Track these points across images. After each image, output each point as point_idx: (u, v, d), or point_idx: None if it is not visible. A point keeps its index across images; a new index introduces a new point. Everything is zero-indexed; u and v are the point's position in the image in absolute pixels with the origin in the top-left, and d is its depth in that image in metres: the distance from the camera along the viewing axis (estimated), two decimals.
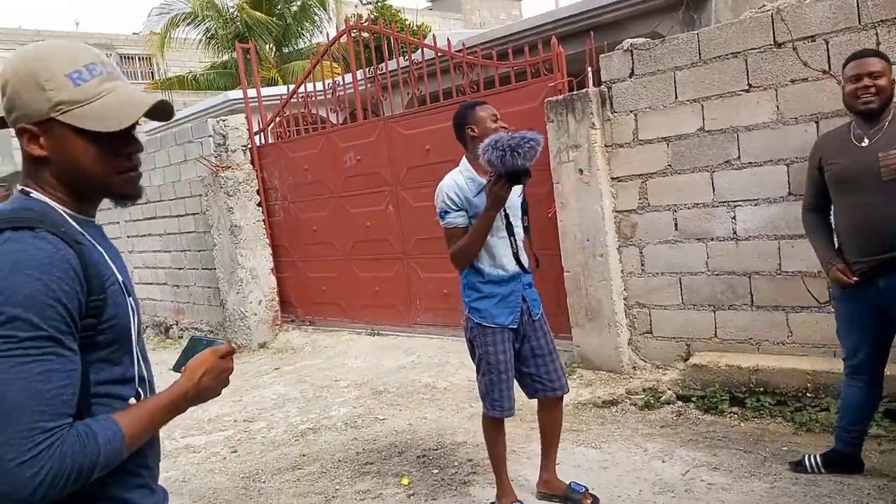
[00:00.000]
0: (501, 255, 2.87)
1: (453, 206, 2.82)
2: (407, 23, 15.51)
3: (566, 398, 4.17)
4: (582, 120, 4.55)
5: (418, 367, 5.48)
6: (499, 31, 8.18)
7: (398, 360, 5.72)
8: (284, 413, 4.97)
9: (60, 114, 1.12)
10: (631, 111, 4.44)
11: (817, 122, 3.72)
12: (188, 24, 14.64)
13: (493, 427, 3.02)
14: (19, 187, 1.19)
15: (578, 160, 4.57)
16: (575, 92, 4.67)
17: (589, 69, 4.76)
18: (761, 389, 3.80)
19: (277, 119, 7.39)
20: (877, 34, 3.48)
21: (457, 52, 5.73)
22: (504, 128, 2.84)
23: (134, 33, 24.74)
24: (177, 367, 1.30)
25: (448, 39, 5.92)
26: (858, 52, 2.83)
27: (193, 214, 8.07)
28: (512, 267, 2.88)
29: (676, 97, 4.24)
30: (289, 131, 7.42)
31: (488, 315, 2.87)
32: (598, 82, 4.64)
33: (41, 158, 1.15)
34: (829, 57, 3.65)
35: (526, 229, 2.99)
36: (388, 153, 6.30)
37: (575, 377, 4.52)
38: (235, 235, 7.21)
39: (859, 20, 3.54)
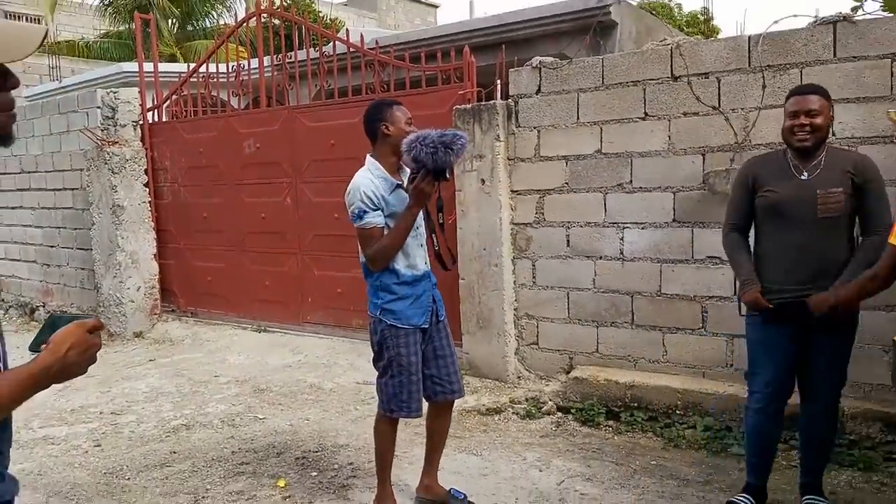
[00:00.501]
0: (415, 254, 2.87)
1: (371, 206, 2.76)
2: (321, 15, 15.21)
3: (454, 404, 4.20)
4: (488, 131, 4.61)
5: (305, 366, 5.34)
6: (413, 34, 8.19)
7: (284, 359, 5.54)
8: (157, 407, 4.69)
9: None
10: (535, 127, 4.55)
11: (704, 155, 3.95)
12: None
13: (390, 430, 2.99)
14: None
15: (482, 170, 4.63)
16: (483, 102, 4.73)
17: (498, 81, 4.83)
18: (635, 405, 3.98)
19: (174, 97, 7.01)
20: (763, 77, 3.74)
21: (370, 49, 5.67)
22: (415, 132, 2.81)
23: None
24: (34, 346, 1.19)
25: (361, 36, 5.83)
26: (799, 88, 2.89)
27: (72, 189, 7.50)
28: (423, 266, 2.89)
29: (578, 118, 4.38)
30: (185, 111, 7.06)
31: (403, 316, 2.84)
32: (505, 96, 4.72)
33: None
34: (720, 94, 3.89)
35: (441, 226, 2.98)
36: (290, 144, 6.13)
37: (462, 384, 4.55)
38: (117, 216, 6.76)
39: (749, 63, 3.80)
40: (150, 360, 5.90)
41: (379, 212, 2.77)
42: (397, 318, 2.84)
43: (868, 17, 3.68)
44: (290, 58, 6.21)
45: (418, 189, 2.69)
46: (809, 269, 2.70)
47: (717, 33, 15.44)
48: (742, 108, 3.82)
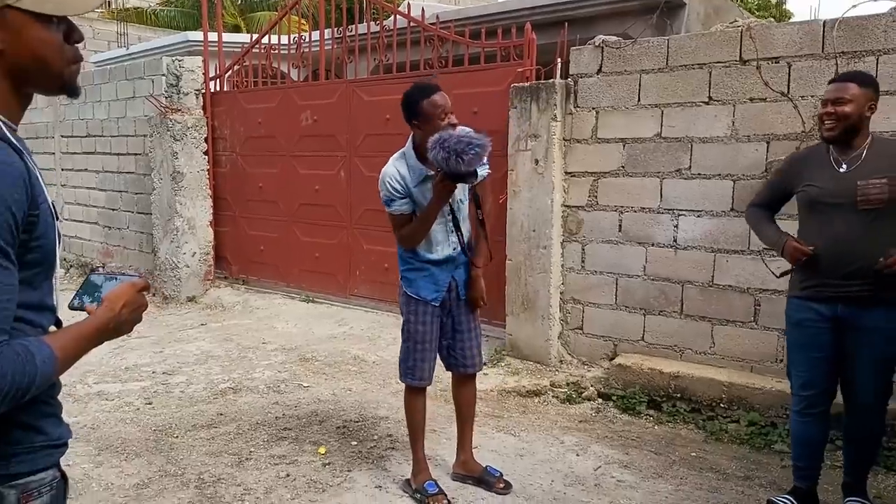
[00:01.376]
0: (439, 239, 2.89)
1: (397, 195, 2.81)
2: None
3: (491, 384, 4.22)
4: (545, 110, 4.53)
5: (350, 338, 5.42)
6: (475, 9, 8.08)
7: (330, 330, 5.63)
8: (206, 370, 4.83)
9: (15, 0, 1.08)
10: (593, 108, 4.45)
11: (768, 143, 3.80)
12: None
13: (412, 397, 3.06)
14: None
15: (536, 150, 4.56)
16: (542, 81, 4.65)
17: (559, 60, 4.73)
18: (679, 395, 3.90)
19: (236, 67, 7.14)
20: (837, 64, 3.56)
21: (430, 24, 5.63)
22: (453, 124, 2.73)
23: None
24: (73, 305, 1.22)
25: (422, 10, 5.80)
26: (837, 76, 2.79)
27: (135, 155, 7.73)
28: (445, 252, 2.91)
29: (639, 100, 4.27)
30: (246, 81, 7.18)
31: (414, 286, 2.94)
32: (565, 75, 4.62)
33: None
34: (789, 80, 3.72)
35: (481, 223, 2.97)
36: (347, 117, 6.16)
37: (503, 365, 4.54)
38: (177, 182, 6.95)
39: (822, 48, 3.62)
40: (202, 325, 6.08)
41: (406, 199, 2.82)
42: (410, 287, 2.95)
43: None
44: (350, 31, 6.23)
45: (437, 188, 2.69)
46: (853, 264, 2.56)
47: (789, 18, 14.81)
48: (812, 96, 3.65)
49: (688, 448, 3.54)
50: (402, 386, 3.10)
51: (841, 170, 2.63)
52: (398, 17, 5.85)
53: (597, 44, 4.45)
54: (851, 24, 3.55)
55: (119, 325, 1.19)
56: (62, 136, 8.95)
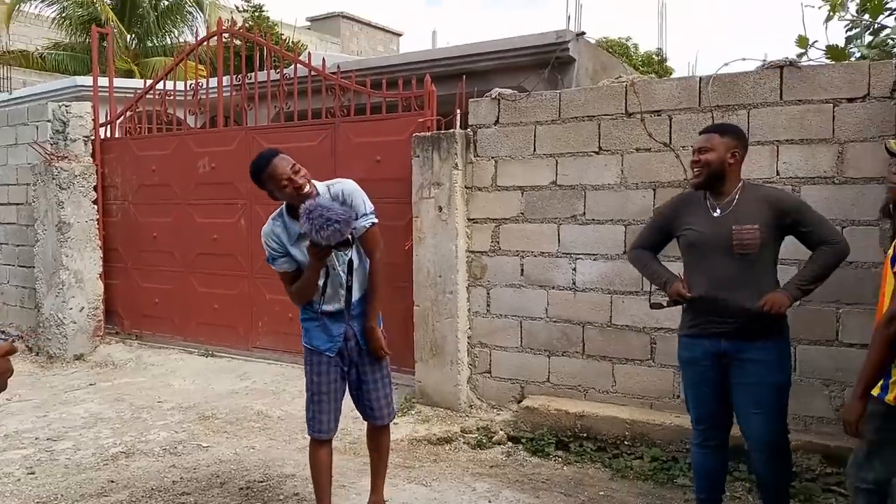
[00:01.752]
0: (329, 294, 2.89)
1: (277, 253, 2.90)
2: (283, 37, 15.17)
3: (402, 434, 4.17)
4: (446, 159, 4.64)
5: (253, 392, 5.21)
6: (375, 60, 8.24)
7: (231, 385, 5.40)
8: (95, 434, 4.50)
9: None
10: (492, 157, 4.59)
11: (655, 190, 4.04)
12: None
13: (314, 450, 3.02)
14: None
15: (439, 198, 4.64)
16: (443, 131, 4.77)
17: (458, 112, 4.88)
18: (585, 435, 3.99)
19: (128, 113, 6.88)
20: (713, 116, 3.87)
21: (331, 73, 5.67)
22: (297, 183, 2.73)
23: None
24: None
25: (323, 60, 5.84)
26: (704, 128, 2.99)
27: (17, 205, 7.24)
28: (336, 306, 2.91)
29: (535, 150, 4.45)
30: (139, 128, 6.92)
31: (308, 336, 2.96)
32: (464, 125, 4.77)
33: None
34: (671, 131, 4.00)
35: (370, 275, 2.97)
36: (246, 164, 6.00)
37: (413, 413, 4.50)
38: (63, 233, 6.54)
39: (699, 102, 3.93)
40: (91, 385, 5.68)
41: (286, 257, 2.87)
42: (306, 336, 2.97)
43: (812, 63, 3.85)
44: (250, 78, 6.17)
45: (310, 252, 2.76)
46: (732, 303, 2.71)
47: (671, 73, 15.95)
48: (692, 146, 3.92)
49: (596, 487, 3.62)
50: (309, 441, 3.02)
51: (715, 214, 2.80)
52: (299, 66, 5.87)
53: (494, 96, 4.63)
54: (724, 80, 3.88)
55: None
56: None
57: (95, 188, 6.79)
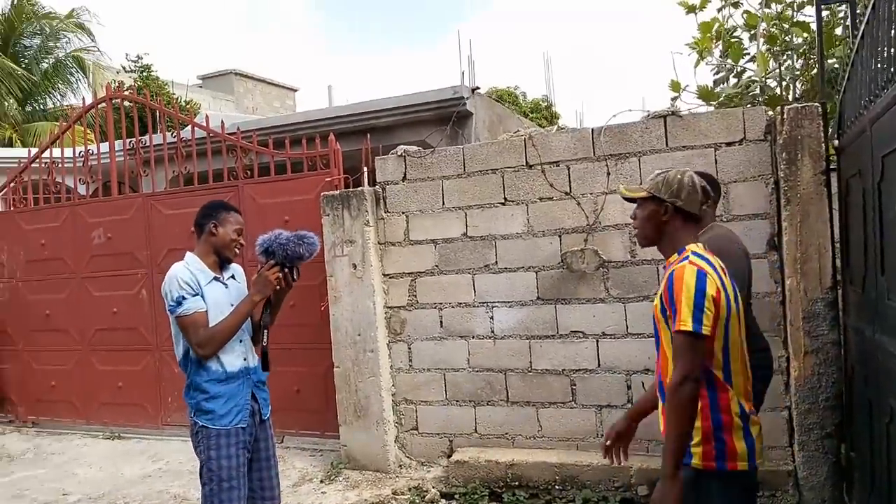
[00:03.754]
0: (231, 349, 2.76)
1: (190, 291, 2.69)
2: (174, 96, 14.81)
3: (333, 501, 4.05)
4: (357, 217, 4.65)
5: (167, 474, 4.91)
6: (276, 119, 8.17)
7: (143, 468, 5.07)
8: None
9: None
10: (403, 212, 4.65)
11: (560, 237, 4.21)
12: None
13: None
14: None
15: (353, 255, 4.63)
16: (351, 189, 4.78)
17: (365, 169, 4.92)
18: (516, 483, 4.02)
19: (12, 184, 6.47)
20: (607, 165, 4.10)
21: (230, 134, 5.58)
22: (241, 242, 2.89)
23: None
24: None
25: (222, 122, 5.74)
26: None
27: None
28: (240, 363, 2.79)
29: (444, 203, 4.54)
30: (25, 199, 6.52)
31: (215, 416, 2.71)
32: (372, 182, 4.81)
33: None
34: (570, 180, 4.20)
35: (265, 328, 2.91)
36: (145, 233, 5.81)
37: (341, 479, 4.38)
38: None
39: (594, 152, 4.15)
40: None
41: (199, 297, 2.71)
42: (209, 418, 2.71)
43: (691, 108, 4.18)
44: (144, 142, 5.97)
45: (262, 276, 2.74)
46: None
47: (559, 118, 16.74)
48: (591, 193, 4.15)
49: None
50: None
51: None
52: (196, 128, 5.74)
53: (399, 153, 4.70)
54: (614, 130, 4.13)
55: None
56: None
57: None
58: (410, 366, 4.57)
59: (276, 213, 5.25)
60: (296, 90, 23.61)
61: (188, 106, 9.87)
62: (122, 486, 4.80)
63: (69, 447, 5.68)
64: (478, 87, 7.17)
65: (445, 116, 6.58)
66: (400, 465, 4.47)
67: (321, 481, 4.38)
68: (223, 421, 2.70)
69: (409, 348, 4.58)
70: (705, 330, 1.94)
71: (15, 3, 13.22)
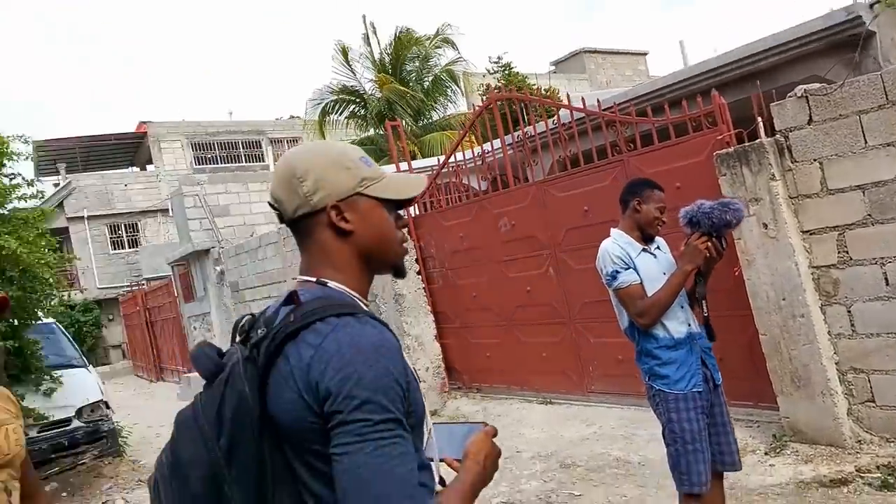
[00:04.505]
0: (674, 316, 2.80)
1: (622, 265, 2.82)
2: (535, 87, 15.77)
3: (784, 476, 3.94)
4: (759, 172, 4.35)
5: (603, 438, 5.34)
6: (644, 86, 8.06)
7: (579, 431, 5.60)
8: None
9: (365, 188, 1.23)
10: (815, 159, 4.20)
11: None
12: (337, 112, 15.99)
13: None
14: (312, 278, 1.22)
15: (761, 214, 4.36)
16: (747, 143, 4.49)
17: (759, 119, 4.56)
18: None
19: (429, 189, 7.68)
20: None
21: (605, 110, 5.70)
22: (663, 222, 2.92)
23: (277, 119, 26.92)
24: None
25: (582, 99, 5.89)
26: None
27: None
28: (684, 329, 2.81)
29: (866, 142, 3.97)
30: (439, 200, 7.67)
31: (670, 381, 2.77)
32: (769, 132, 4.43)
33: (343, 234, 1.22)
34: None
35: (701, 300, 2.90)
36: (542, 216, 6.32)
37: (788, 452, 4.20)
38: (400, 304, 7.48)
39: None
40: None
41: (631, 269, 2.80)
42: (665, 383, 2.78)
43: None
44: (528, 134, 6.47)
45: (692, 247, 2.73)
46: None
47: None
48: None
49: None
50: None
51: None
52: (574, 111, 5.99)
53: (799, 94, 4.24)
54: None
55: (486, 478, 1.20)
56: None
57: (416, 260, 7.67)
58: (853, 331, 4.12)
59: (667, 180, 5.08)
60: (645, 53, 22.89)
61: (550, 93, 10.41)
62: (564, 446, 5.39)
63: (510, 410, 6.57)
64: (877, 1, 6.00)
65: (838, 44, 5.68)
66: (858, 441, 4.07)
67: (765, 454, 4.27)
68: (679, 385, 2.77)
69: (849, 311, 4.13)
70: None
71: (397, 35, 15.69)
